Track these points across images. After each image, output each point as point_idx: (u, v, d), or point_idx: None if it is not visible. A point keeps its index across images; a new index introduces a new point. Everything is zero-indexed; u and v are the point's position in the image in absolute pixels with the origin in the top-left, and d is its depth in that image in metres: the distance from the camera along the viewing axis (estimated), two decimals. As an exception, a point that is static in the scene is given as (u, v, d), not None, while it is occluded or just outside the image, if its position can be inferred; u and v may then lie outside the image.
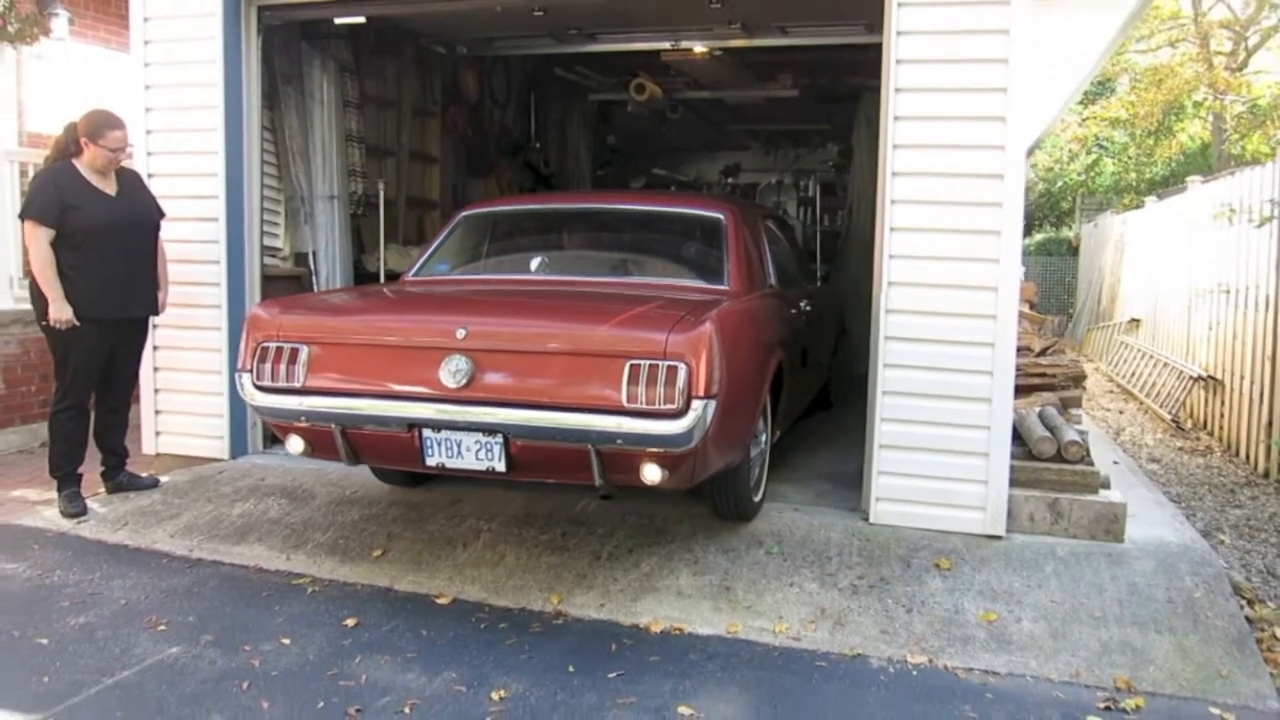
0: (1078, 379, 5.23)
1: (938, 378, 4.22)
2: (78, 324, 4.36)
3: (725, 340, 3.41)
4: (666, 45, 6.86)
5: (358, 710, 2.88)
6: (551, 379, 3.38)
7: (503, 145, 9.20)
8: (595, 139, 10.83)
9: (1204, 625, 3.52)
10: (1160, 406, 8.84)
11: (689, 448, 3.25)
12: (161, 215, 4.79)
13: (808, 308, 5.15)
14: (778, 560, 4.01)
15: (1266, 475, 6.40)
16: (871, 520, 4.37)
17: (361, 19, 5.78)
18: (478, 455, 3.42)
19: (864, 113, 8.12)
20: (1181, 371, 8.68)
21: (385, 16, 6.22)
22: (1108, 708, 3.03)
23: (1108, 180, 21.15)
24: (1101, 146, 21.74)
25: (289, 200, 6.30)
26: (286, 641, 3.32)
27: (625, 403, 3.25)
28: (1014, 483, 4.29)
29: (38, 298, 4.43)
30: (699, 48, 6.92)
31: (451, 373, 3.37)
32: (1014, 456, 4.35)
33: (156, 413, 5.32)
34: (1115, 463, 5.82)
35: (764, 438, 4.36)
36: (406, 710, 2.89)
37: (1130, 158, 20.96)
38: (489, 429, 3.36)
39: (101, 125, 4.45)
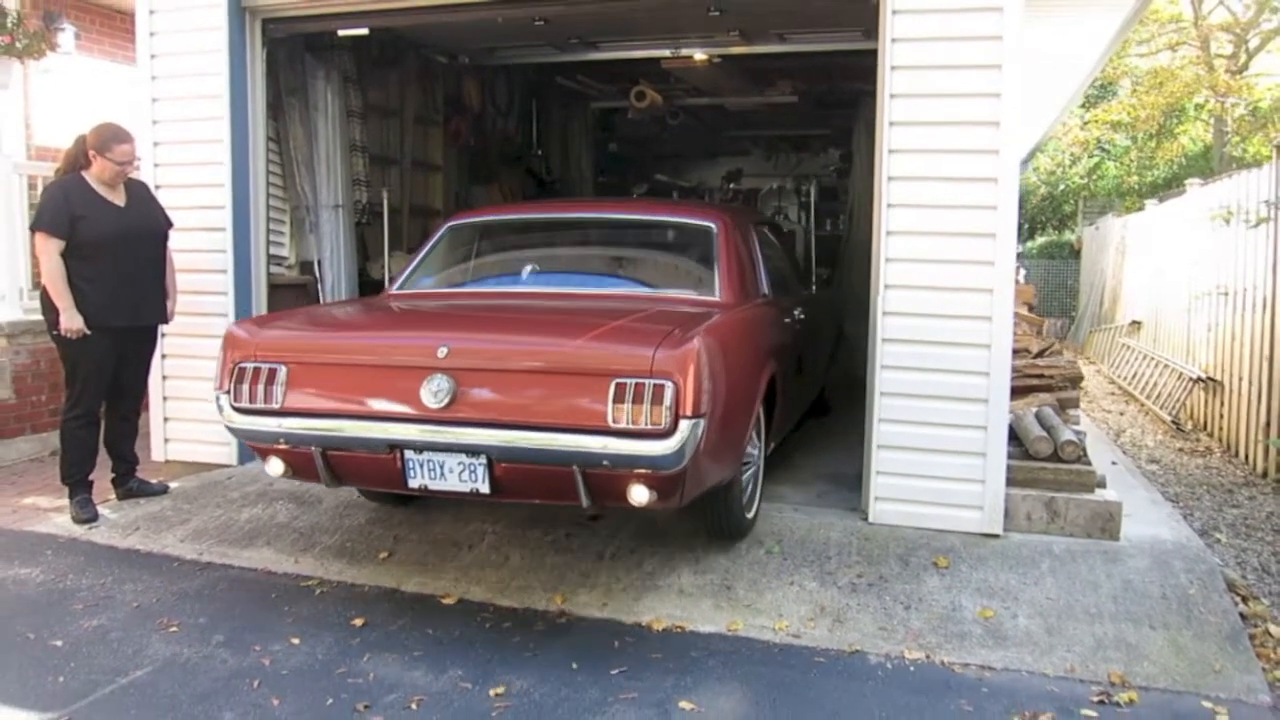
0: (1075, 380, 5.28)
1: (935, 379, 4.28)
2: (88, 333, 4.43)
3: (715, 356, 3.35)
4: (666, 53, 6.95)
5: (366, 706, 2.94)
6: (535, 398, 3.29)
7: (505, 153, 9.29)
8: (597, 146, 10.92)
9: (1197, 621, 3.57)
10: (1160, 408, 8.88)
11: (678, 469, 3.16)
12: (169, 225, 4.86)
13: (802, 315, 5.06)
14: (778, 559, 4.07)
15: (1265, 475, 6.45)
16: (871, 520, 4.43)
17: (364, 30, 5.85)
18: (461, 477, 3.34)
19: (863, 118, 8.19)
20: (1181, 373, 8.72)
21: (388, 28, 6.31)
22: (1101, 701, 3.08)
23: (1110, 183, 21.19)
24: (1103, 149, 21.79)
25: (294, 209, 6.39)
26: (296, 641, 3.38)
27: (611, 422, 3.15)
28: (1011, 482, 4.35)
29: (48, 308, 4.51)
30: (699, 55, 7.01)
31: (433, 392, 3.28)
32: (1011, 456, 4.41)
33: (165, 420, 5.40)
34: (1114, 463, 5.86)
35: (757, 452, 4.24)
36: (413, 706, 2.95)
37: (1132, 161, 21.00)
38: (472, 450, 3.28)
39: (110, 139, 4.54)
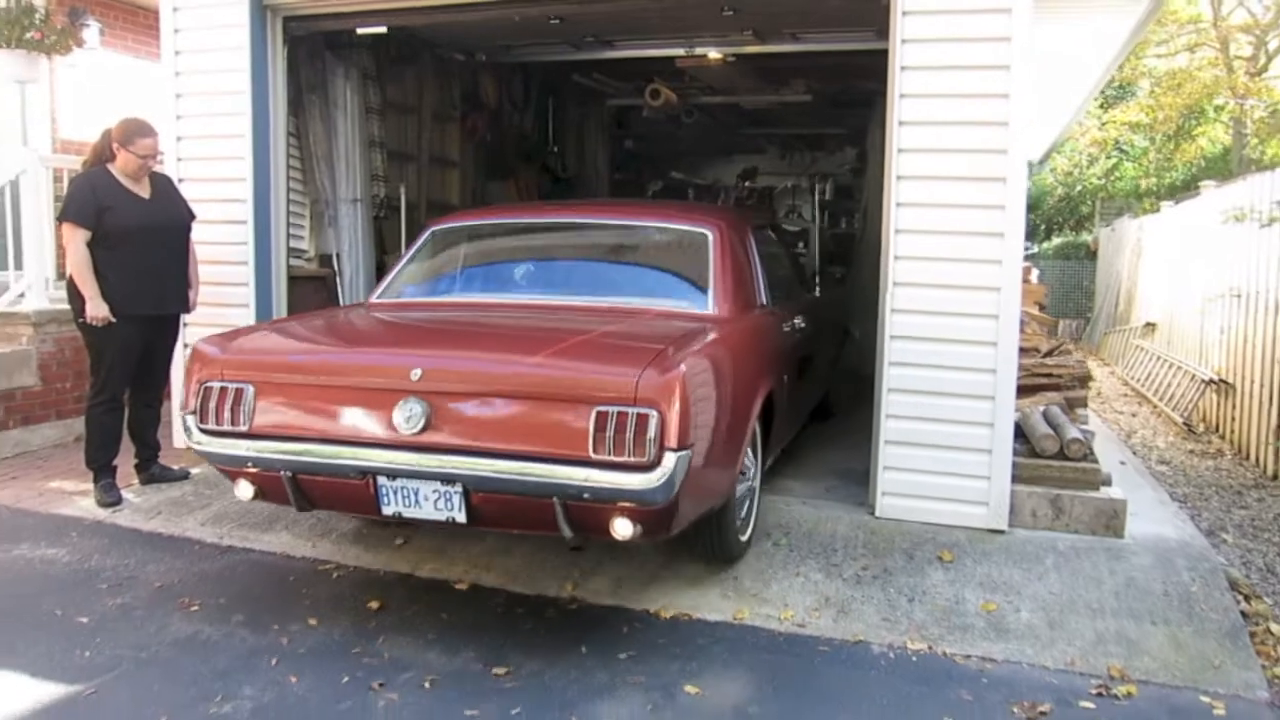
0: (1083, 379, 5.32)
1: (942, 375, 4.34)
2: (114, 320, 4.55)
3: (704, 381, 3.22)
4: (681, 51, 7.02)
5: (380, 685, 3.03)
6: (513, 424, 3.12)
7: (521, 150, 9.37)
8: (612, 143, 10.99)
9: (1198, 618, 3.62)
10: (1173, 410, 8.89)
11: (663, 503, 3.00)
12: (192, 217, 4.97)
13: (803, 322, 4.90)
14: (785, 551, 4.14)
15: (1275, 478, 6.46)
16: (877, 514, 4.49)
17: (383, 29, 5.94)
18: (436, 505, 3.18)
19: (878, 117, 8.22)
20: (1194, 375, 8.72)
21: (406, 26, 6.40)
22: (1100, 694, 3.13)
23: (1128, 184, 21.09)
24: (1121, 150, 21.70)
25: (314, 204, 6.49)
26: (313, 622, 3.48)
27: (592, 453, 2.98)
28: (1017, 479, 4.40)
29: (75, 296, 4.62)
30: (713, 54, 7.08)
31: (405, 417, 3.12)
32: (1017, 454, 4.46)
33: (186, 408, 5.50)
34: (1122, 463, 5.90)
35: (753, 470, 4.05)
36: (427, 685, 3.04)
37: (1150, 162, 20.91)
38: (447, 478, 3.12)
39: (134, 133, 4.65)
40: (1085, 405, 5.39)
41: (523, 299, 4.21)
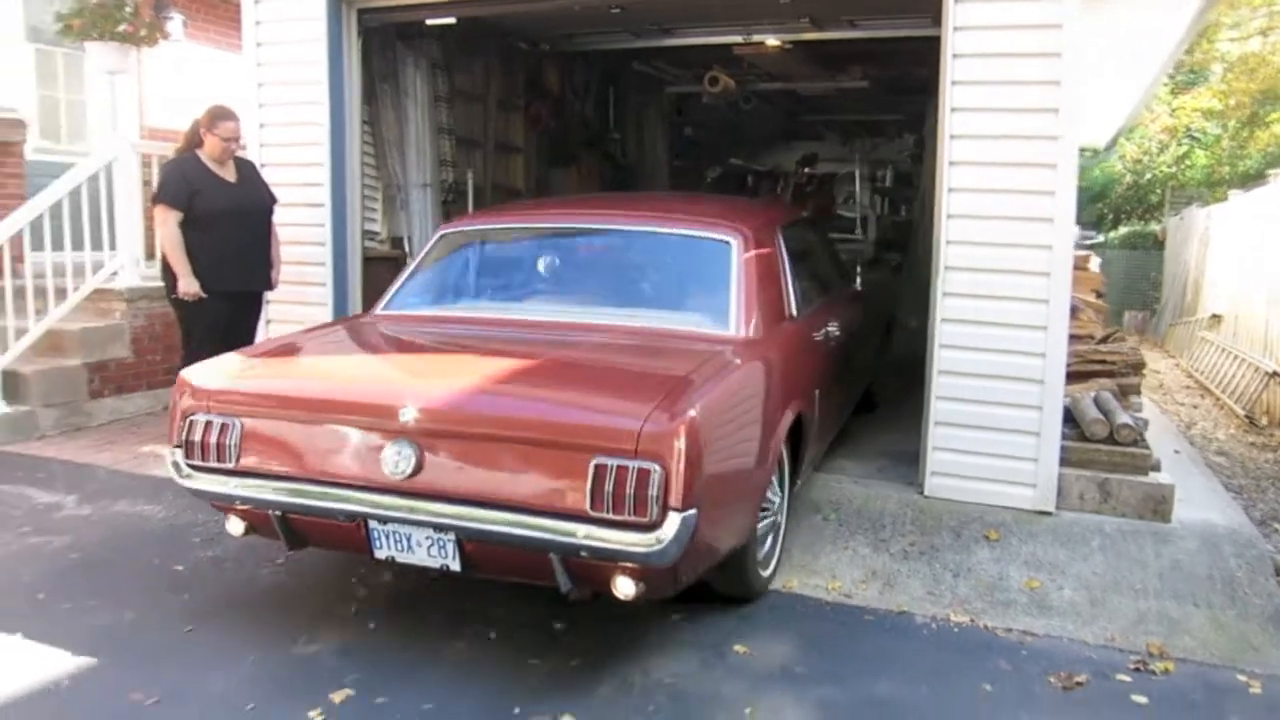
0: (1137, 367, 5.34)
1: (992, 358, 4.41)
2: (204, 296, 4.86)
3: (718, 425, 2.95)
4: (739, 39, 7.13)
5: (451, 636, 3.26)
6: (507, 472, 2.87)
7: (583, 137, 9.56)
8: (672, 130, 11.13)
9: (1241, 602, 3.68)
10: (1235, 402, 8.78)
11: (666, 564, 2.73)
12: (274, 201, 5.27)
13: (839, 324, 4.60)
14: (834, 526, 4.28)
15: (1336, 469, 6.40)
16: (926, 493, 4.60)
17: (452, 20, 6.15)
18: (430, 551, 2.96)
19: (934, 103, 8.23)
20: (1258, 367, 8.60)
21: (473, 17, 6.62)
22: (1138, 669, 3.22)
23: (1199, 173, 20.54)
24: (1193, 138, 21.13)
25: (386, 188, 6.77)
26: (388, 578, 3.73)
27: (590, 509, 2.72)
28: (1065, 462, 4.46)
29: (168, 274, 4.95)
30: (770, 41, 7.18)
31: (394, 461, 2.90)
32: (1067, 438, 4.51)
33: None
34: (1176, 452, 5.89)
35: (778, 500, 3.75)
36: (492, 636, 3.27)
37: (1223, 150, 20.34)
38: (439, 526, 2.90)
39: (218, 117, 4.97)
40: (1139, 393, 5.41)
41: (529, 315, 3.94)
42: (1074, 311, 5.38)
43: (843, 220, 10.99)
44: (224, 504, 3.24)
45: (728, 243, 3.87)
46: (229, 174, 5.05)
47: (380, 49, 6.60)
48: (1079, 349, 5.17)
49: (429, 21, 6.33)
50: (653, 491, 2.67)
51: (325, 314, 5.59)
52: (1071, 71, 4.15)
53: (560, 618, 3.40)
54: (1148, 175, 21.77)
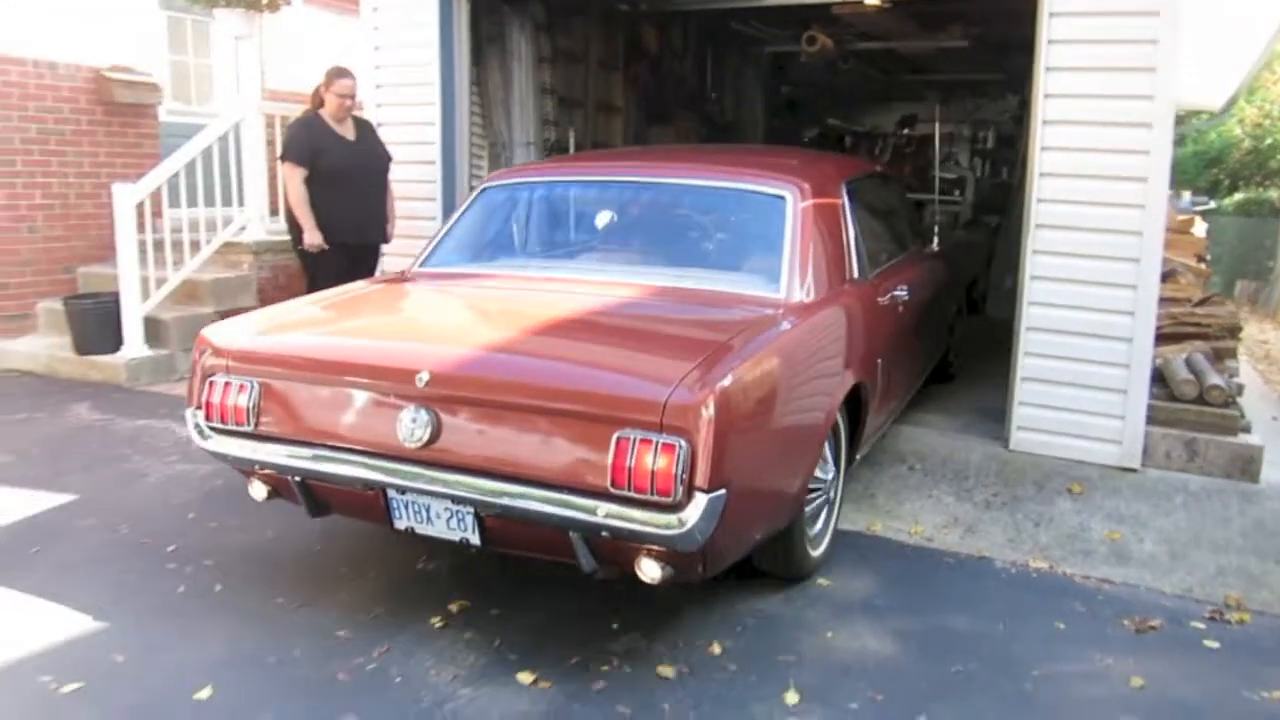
0: (1234, 331, 5.29)
1: (1080, 316, 4.47)
2: (326, 248, 5.24)
3: (755, 398, 2.75)
4: (837, -2, 7.15)
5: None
6: (525, 443, 2.70)
7: (680, 96, 9.69)
8: (769, 90, 11.15)
9: (1325, 560, 3.72)
10: (1348, 371, 8.49)
11: (692, 548, 2.55)
12: (389, 159, 5.61)
13: (910, 288, 4.29)
14: (919, 475, 4.44)
15: None
16: (1011, 447, 4.70)
17: (556, -18, 6.33)
18: (449, 524, 2.83)
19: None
20: (1374, 335, 8.30)
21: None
22: (1213, 618, 3.32)
23: (1326, 137, 19.47)
24: (1321, 99, 19.99)
25: (492, 146, 7.07)
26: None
27: (611, 486, 2.53)
28: (1152, 421, 4.51)
29: (293, 227, 5.35)
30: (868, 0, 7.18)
31: (409, 428, 2.75)
32: (1156, 397, 4.56)
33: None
34: (1275, 419, 5.83)
35: (830, 477, 3.49)
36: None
37: (1354, 112, 19.20)
38: (456, 498, 2.75)
39: (335, 75, 5.34)
40: (1235, 357, 5.36)
41: (567, 274, 3.74)
42: (1172, 274, 5.36)
43: (941, 182, 10.89)
44: (244, 467, 3.16)
45: (782, 197, 3.59)
46: (348, 133, 5.40)
47: (488, 11, 6.85)
48: (1174, 310, 5.16)
49: (534, -16, 6.54)
50: (678, 469, 2.46)
51: (436, 266, 5.92)
52: (1169, 30, 4.14)
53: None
54: (1268, 140, 20.70)
